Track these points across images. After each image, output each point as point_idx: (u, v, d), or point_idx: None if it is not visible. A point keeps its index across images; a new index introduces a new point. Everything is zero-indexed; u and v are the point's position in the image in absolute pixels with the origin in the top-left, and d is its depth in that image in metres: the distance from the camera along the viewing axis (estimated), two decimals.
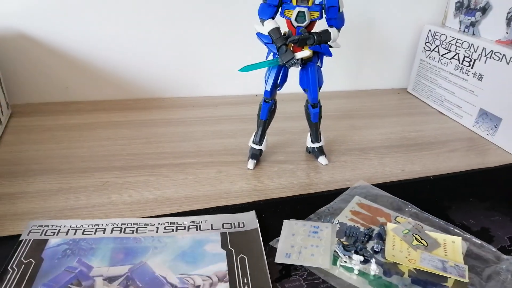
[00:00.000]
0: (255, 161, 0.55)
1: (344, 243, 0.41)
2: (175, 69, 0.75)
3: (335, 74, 0.83)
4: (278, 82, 0.50)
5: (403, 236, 0.42)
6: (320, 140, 0.56)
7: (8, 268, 0.37)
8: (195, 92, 0.78)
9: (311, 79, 0.50)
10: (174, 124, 0.67)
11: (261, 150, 0.56)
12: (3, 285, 0.35)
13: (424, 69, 0.79)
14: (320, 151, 0.57)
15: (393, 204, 0.48)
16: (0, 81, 0.64)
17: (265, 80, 0.51)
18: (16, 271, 0.36)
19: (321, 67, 0.51)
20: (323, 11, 0.47)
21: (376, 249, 0.41)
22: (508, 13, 0.63)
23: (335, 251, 0.40)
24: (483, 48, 0.65)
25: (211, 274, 0.37)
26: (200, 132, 0.64)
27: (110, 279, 0.36)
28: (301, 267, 0.39)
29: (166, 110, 0.72)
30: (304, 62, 0.50)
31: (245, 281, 0.37)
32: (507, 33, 0.64)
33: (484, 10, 0.67)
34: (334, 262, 0.39)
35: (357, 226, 0.44)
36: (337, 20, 0.47)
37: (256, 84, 0.79)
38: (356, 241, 0.42)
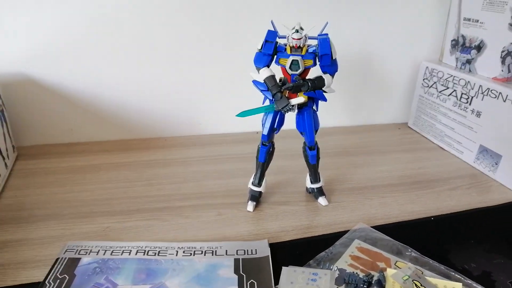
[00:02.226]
0: (254, 203, 0.56)
1: None
2: (177, 108, 0.77)
3: (334, 109, 0.84)
4: (275, 126, 0.51)
5: (403, 283, 0.42)
6: (319, 180, 0.56)
7: (46, 282, 0.41)
8: (196, 131, 0.79)
9: (307, 123, 0.51)
10: (176, 164, 0.68)
11: (260, 192, 0.56)
12: None
13: (424, 104, 0.80)
14: (320, 192, 0.57)
15: (393, 248, 0.47)
16: (7, 125, 0.66)
17: (262, 124, 0.52)
18: (52, 285, 0.41)
19: (317, 110, 0.52)
20: (316, 58, 0.48)
21: None
22: (503, 51, 0.64)
23: None
24: (480, 85, 0.66)
25: None
26: (201, 173, 0.65)
27: None
28: None
29: (168, 150, 0.73)
30: (300, 107, 0.51)
31: None
32: (502, 70, 0.65)
33: (479, 48, 0.69)
34: None
35: (356, 273, 0.43)
36: (330, 67, 0.49)
37: (257, 121, 0.80)
38: None
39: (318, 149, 0.54)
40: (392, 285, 0.42)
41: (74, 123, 0.74)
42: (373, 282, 0.42)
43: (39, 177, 0.63)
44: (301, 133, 0.53)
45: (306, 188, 0.59)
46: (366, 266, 0.45)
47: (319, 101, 0.51)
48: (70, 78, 0.70)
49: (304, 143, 0.54)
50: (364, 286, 0.41)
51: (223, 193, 0.59)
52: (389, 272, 0.43)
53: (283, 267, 0.44)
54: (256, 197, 0.56)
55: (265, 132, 0.51)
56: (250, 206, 0.55)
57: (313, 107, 0.52)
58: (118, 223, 0.52)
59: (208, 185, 0.62)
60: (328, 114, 0.54)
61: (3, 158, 0.61)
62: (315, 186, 0.57)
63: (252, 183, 0.56)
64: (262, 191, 0.56)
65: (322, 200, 0.57)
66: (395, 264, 0.45)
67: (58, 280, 0.41)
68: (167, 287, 0.41)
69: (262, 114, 0.52)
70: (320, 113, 0.52)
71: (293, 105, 0.49)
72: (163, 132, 0.78)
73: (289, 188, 0.61)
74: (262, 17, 0.70)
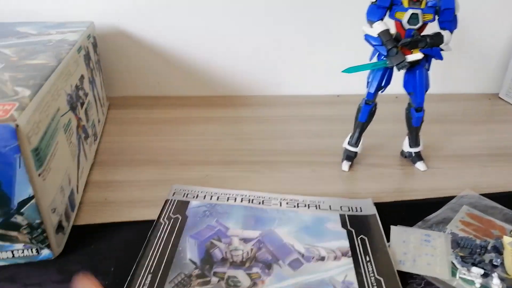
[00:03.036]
0: (350, 163, 0.55)
1: (460, 254, 0.40)
2: (259, 67, 0.76)
3: None
4: (382, 84, 0.49)
5: None
6: (419, 144, 0.54)
7: (160, 220, 0.43)
8: (278, 91, 0.79)
9: (419, 83, 0.49)
10: (261, 121, 0.68)
11: (356, 152, 0.55)
12: (159, 233, 0.41)
13: None
14: (418, 156, 0.55)
15: (507, 217, 0.45)
16: (102, 74, 0.68)
17: (368, 82, 0.50)
18: (166, 224, 0.42)
19: (429, 70, 0.49)
20: (436, 13, 0.45)
21: (495, 263, 0.39)
22: None
23: (452, 262, 0.39)
24: None
25: (334, 248, 0.40)
26: (287, 131, 0.65)
27: (245, 240, 0.40)
28: (417, 276, 0.38)
29: (251, 108, 0.73)
30: (412, 65, 0.48)
31: (368, 259, 0.38)
32: None
33: None
34: (453, 274, 0.38)
35: (472, 238, 0.42)
36: (451, 22, 0.46)
37: (338, 84, 0.79)
38: (471, 253, 0.40)
39: (424, 111, 0.51)
40: (510, 253, 0.40)
41: (161, 77, 0.75)
42: (489, 248, 0.41)
43: (133, 126, 0.65)
44: (409, 93, 0.50)
45: (402, 152, 0.57)
46: (479, 232, 0.43)
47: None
48: (161, 34, 0.71)
49: (409, 104, 0.52)
50: (482, 251, 0.40)
51: (314, 151, 0.59)
52: (506, 239, 0.41)
53: (391, 226, 0.43)
54: (352, 157, 0.55)
55: (372, 90, 0.49)
56: (345, 165, 0.54)
57: (425, 66, 0.49)
58: (216, 172, 0.53)
59: (297, 143, 0.61)
60: None
61: (101, 106, 0.64)
62: (414, 150, 0.55)
63: (349, 143, 0.54)
64: (358, 152, 0.55)
65: (420, 165, 0.55)
66: (510, 232, 0.43)
67: (172, 219, 0.43)
68: (277, 234, 0.41)
69: (368, 71, 0.50)
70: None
71: (408, 62, 0.46)
72: (245, 90, 0.78)
73: (383, 151, 0.59)
74: None
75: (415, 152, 0.55)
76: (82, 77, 0.51)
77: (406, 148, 0.56)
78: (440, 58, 0.47)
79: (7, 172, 0.32)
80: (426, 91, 0.50)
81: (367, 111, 0.51)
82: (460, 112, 0.74)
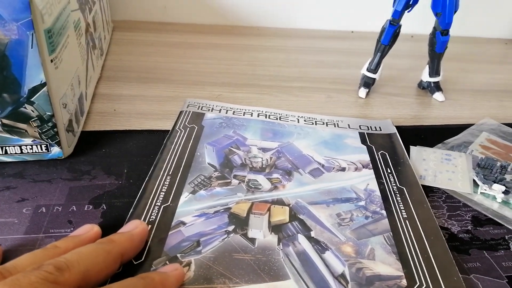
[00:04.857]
0: (367, 90, 0.53)
1: (481, 173, 0.39)
2: None
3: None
4: (411, 2, 0.47)
5: None
6: (439, 74, 0.53)
7: (176, 128, 0.41)
8: (290, 24, 0.75)
9: (449, 1, 0.46)
10: (274, 50, 0.65)
11: (374, 79, 0.53)
12: (175, 140, 0.39)
13: None
14: (437, 87, 0.53)
15: None
16: None
17: (395, 0, 0.47)
18: (183, 132, 0.40)
19: None
20: None
21: None
22: None
23: (473, 179, 0.38)
24: None
25: (354, 161, 0.39)
26: (302, 60, 0.62)
27: (264, 150, 0.39)
28: (437, 190, 0.37)
29: (263, 38, 0.70)
30: None
31: (389, 171, 0.37)
32: None
33: None
34: (474, 190, 0.37)
35: (493, 157, 0.41)
36: None
37: (352, 19, 0.75)
38: (492, 172, 0.39)
39: (449, 36, 0.49)
40: None
41: (168, 1, 0.71)
42: (509, 170, 0.40)
43: (139, 47, 0.62)
44: (436, 14, 0.48)
45: (420, 83, 0.55)
46: (500, 156, 0.42)
47: None
48: None
49: (434, 28, 0.50)
50: (503, 172, 0.39)
51: (329, 80, 0.57)
52: None
53: (411, 146, 0.42)
54: (370, 84, 0.53)
55: (399, 8, 0.47)
56: (363, 92, 0.53)
57: None
58: (229, 93, 0.51)
59: (312, 71, 0.59)
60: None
61: (107, 23, 0.60)
62: (433, 79, 0.53)
63: (367, 68, 0.52)
64: (377, 79, 0.53)
65: (438, 96, 0.53)
66: None
67: (188, 129, 0.41)
68: (296, 147, 0.40)
69: None
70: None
71: None
72: (256, 21, 0.74)
73: (400, 82, 0.57)
74: None
75: (434, 82, 0.53)
76: None
77: (425, 77, 0.54)
78: None
79: (18, 51, 0.30)
80: (456, 11, 0.47)
81: (391, 33, 0.49)
82: (476, 53, 0.72)
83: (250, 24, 0.74)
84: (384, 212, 0.32)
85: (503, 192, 0.37)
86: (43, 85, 0.32)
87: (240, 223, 0.30)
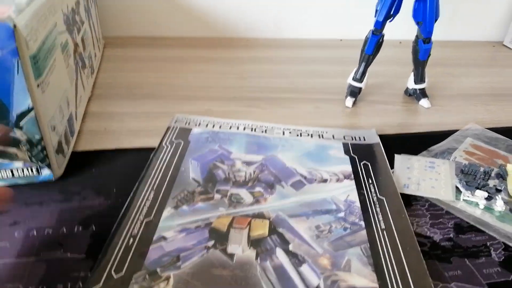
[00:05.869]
0: (354, 99, 0.54)
1: (464, 179, 0.40)
2: (258, 10, 0.73)
3: None
4: (392, 13, 0.48)
5: None
6: (424, 81, 0.53)
7: (163, 144, 0.42)
8: (279, 34, 0.76)
9: (429, 11, 0.47)
10: (263, 62, 0.66)
11: (360, 88, 0.54)
12: (161, 155, 0.40)
13: None
14: (423, 93, 0.54)
15: (510, 148, 0.45)
16: (97, 13, 0.65)
17: (377, 10, 0.48)
18: (169, 147, 0.42)
19: None
20: None
21: (498, 188, 0.39)
22: None
23: (456, 186, 0.39)
24: None
25: (336, 172, 0.40)
26: (290, 71, 0.63)
27: (248, 163, 0.40)
28: (421, 198, 0.38)
29: (252, 49, 0.71)
30: None
31: (370, 182, 0.38)
32: None
33: None
34: (457, 197, 0.38)
35: (476, 164, 0.42)
36: None
37: (341, 28, 0.76)
38: (475, 178, 0.40)
39: (432, 43, 0.50)
40: None
41: (158, 16, 0.72)
42: (492, 175, 0.41)
43: (130, 63, 0.63)
44: (418, 23, 0.49)
45: (406, 90, 0.56)
46: (483, 161, 0.43)
47: None
48: None
49: (417, 36, 0.50)
50: (486, 178, 0.40)
51: (317, 90, 0.58)
52: (510, 167, 0.42)
53: (395, 154, 0.43)
54: (356, 93, 0.54)
55: (380, 18, 0.48)
56: (349, 101, 0.54)
57: None
58: (218, 107, 0.52)
59: (300, 82, 0.60)
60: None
61: (97, 41, 0.61)
62: (418, 87, 0.54)
63: (353, 78, 0.53)
64: (363, 87, 0.54)
65: (424, 102, 0.54)
66: None
67: (174, 144, 0.42)
68: (280, 159, 0.41)
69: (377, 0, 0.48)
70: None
71: None
72: (245, 33, 0.75)
73: (387, 90, 0.58)
74: None
75: (419, 89, 0.54)
76: (78, 1, 0.49)
77: (411, 85, 0.55)
78: None
79: (5, 78, 0.31)
80: (436, 20, 0.48)
81: (374, 42, 0.50)
82: (464, 57, 0.73)
83: (238, 35, 0.75)
84: (362, 223, 0.33)
85: (485, 198, 0.37)
86: (30, 110, 0.33)
87: (220, 238, 0.31)
